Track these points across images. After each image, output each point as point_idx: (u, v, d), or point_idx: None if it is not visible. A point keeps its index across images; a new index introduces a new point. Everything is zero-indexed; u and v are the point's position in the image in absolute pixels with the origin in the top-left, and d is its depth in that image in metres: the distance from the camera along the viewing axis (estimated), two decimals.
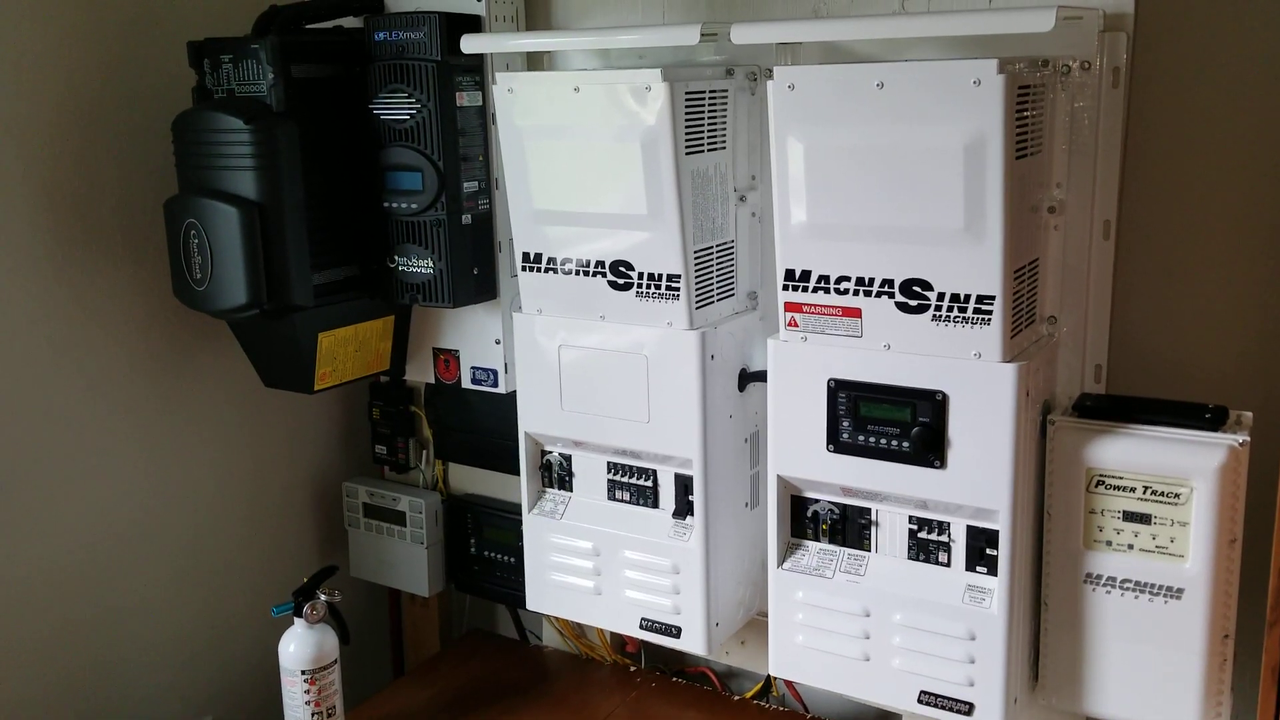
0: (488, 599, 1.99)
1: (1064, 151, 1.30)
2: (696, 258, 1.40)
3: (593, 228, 1.44)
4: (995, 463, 1.22)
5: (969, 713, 1.29)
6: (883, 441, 1.28)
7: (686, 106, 1.34)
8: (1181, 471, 1.19)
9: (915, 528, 1.32)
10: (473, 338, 1.70)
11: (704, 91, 1.37)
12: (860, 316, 1.26)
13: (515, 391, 1.58)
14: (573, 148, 1.41)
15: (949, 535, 1.30)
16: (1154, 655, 1.24)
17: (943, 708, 1.30)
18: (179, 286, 1.53)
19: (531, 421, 1.56)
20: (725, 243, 1.45)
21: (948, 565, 1.31)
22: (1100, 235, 1.31)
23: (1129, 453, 1.22)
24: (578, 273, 1.46)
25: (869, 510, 1.35)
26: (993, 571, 1.27)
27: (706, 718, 1.69)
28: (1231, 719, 1.26)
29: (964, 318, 1.20)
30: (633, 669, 1.83)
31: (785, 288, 1.30)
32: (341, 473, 2.01)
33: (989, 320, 1.19)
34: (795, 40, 1.37)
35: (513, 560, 1.85)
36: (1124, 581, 1.24)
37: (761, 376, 1.44)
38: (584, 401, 1.50)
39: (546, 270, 1.49)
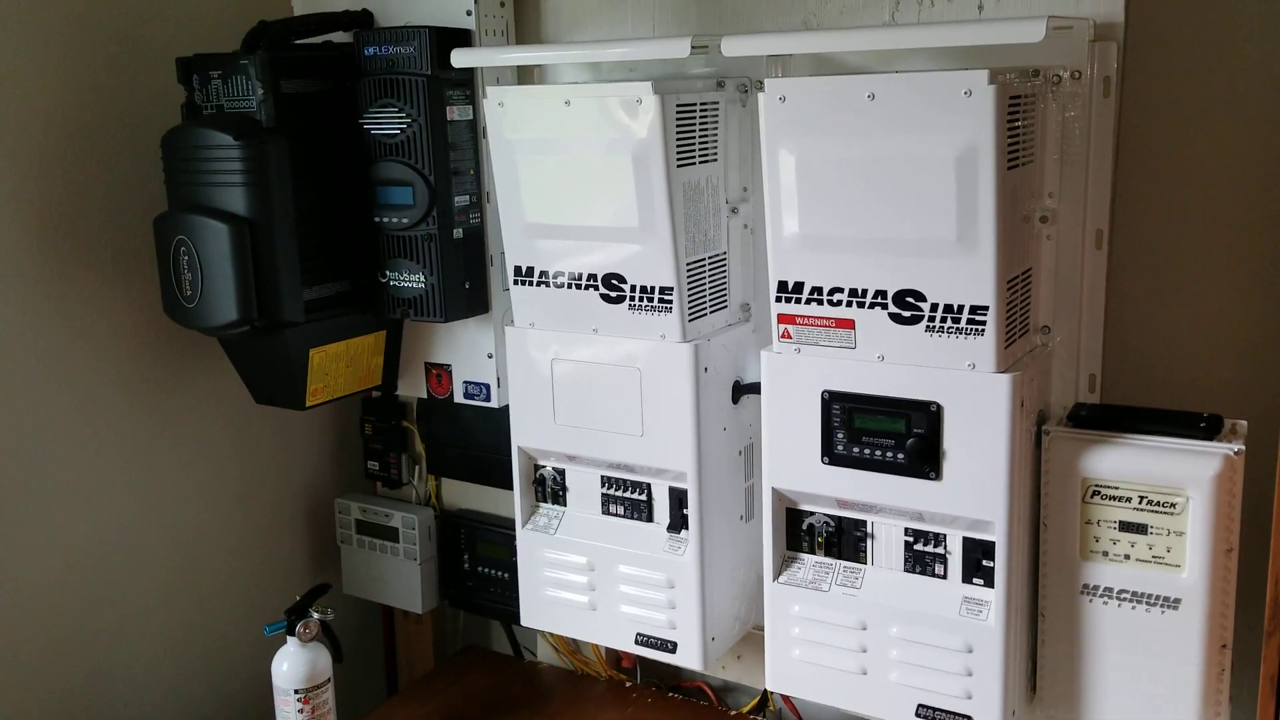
0: (482, 615, 1.98)
1: (1056, 161, 1.30)
2: (689, 270, 1.39)
3: (585, 241, 1.43)
4: (991, 474, 1.22)
5: None
6: (878, 453, 1.27)
7: (677, 119, 1.34)
8: (1177, 481, 1.19)
9: (911, 540, 1.32)
10: (465, 352, 1.69)
11: (695, 104, 1.37)
12: (854, 328, 1.26)
13: (508, 406, 1.57)
14: (564, 161, 1.41)
15: (945, 547, 1.30)
16: (1151, 665, 1.23)
17: None
18: (169, 303, 1.52)
19: (524, 436, 1.56)
20: (717, 255, 1.45)
21: (944, 577, 1.30)
22: (1093, 244, 1.31)
23: (1124, 463, 1.22)
24: (570, 286, 1.46)
25: (864, 522, 1.34)
26: (989, 583, 1.27)
27: None
28: None
29: (958, 328, 1.20)
30: (628, 684, 1.82)
31: (778, 299, 1.30)
32: (333, 489, 2.00)
33: (983, 331, 1.19)
34: (786, 52, 1.37)
35: (507, 576, 1.85)
36: (1121, 592, 1.24)
37: (755, 389, 1.43)
38: (577, 415, 1.50)
39: (539, 284, 1.48)
